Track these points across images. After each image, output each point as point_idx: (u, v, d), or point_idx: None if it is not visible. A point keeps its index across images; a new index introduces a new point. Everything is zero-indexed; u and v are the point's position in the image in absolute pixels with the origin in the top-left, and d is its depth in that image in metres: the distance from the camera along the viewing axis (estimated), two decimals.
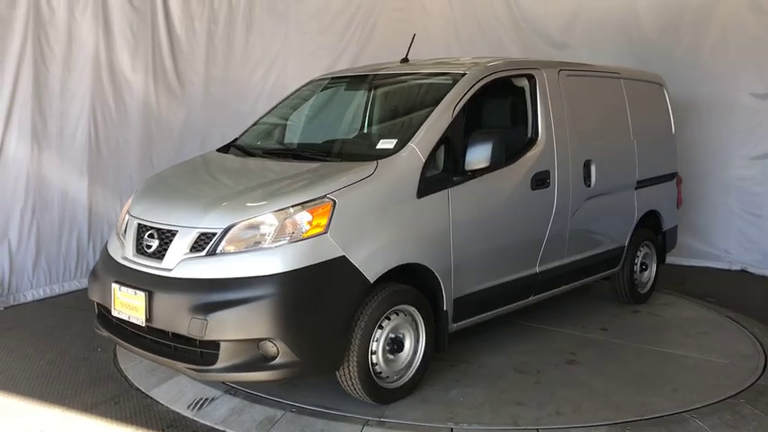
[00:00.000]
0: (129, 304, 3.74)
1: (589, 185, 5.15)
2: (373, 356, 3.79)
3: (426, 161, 4.02)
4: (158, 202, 4.17)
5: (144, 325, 3.66)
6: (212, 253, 3.59)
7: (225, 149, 5.07)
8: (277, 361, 3.47)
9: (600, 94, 5.58)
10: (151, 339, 3.75)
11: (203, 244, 3.64)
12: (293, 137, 5.34)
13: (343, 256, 3.58)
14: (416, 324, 4.02)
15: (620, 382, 4.31)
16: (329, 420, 3.73)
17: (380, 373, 3.86)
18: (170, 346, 3.68)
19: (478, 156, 4.13)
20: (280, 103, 5.55)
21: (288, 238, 3.53)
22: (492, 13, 8.48)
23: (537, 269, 4.83)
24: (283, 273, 3.46)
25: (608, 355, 4.81)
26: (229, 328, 3.44)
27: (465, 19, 8.58)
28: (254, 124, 5.43)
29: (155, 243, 3.81)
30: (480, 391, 4.14)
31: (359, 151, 4.57)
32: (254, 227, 3.59)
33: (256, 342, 3.47)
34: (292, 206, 3.60)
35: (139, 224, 3.97)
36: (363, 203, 3.78)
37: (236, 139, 5.25)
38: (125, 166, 6.90)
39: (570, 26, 8.17)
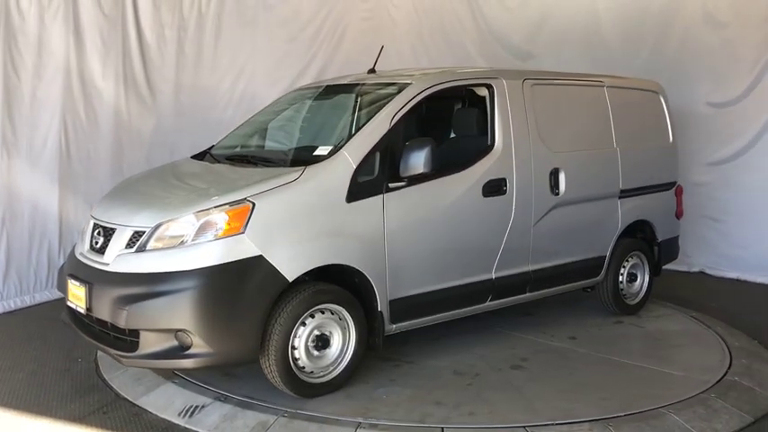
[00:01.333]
0: (76, 295, 4.14)
1: (557, 194, 5.17)
2: (295, 351, 4.00)
3: (358, 167, 4.17)
4: (112, 203, 4.53)
5: (85, 314, 4.05)
6: (142, 249, 3.90)
7: (200, 156, 5.20)
8: (191, 351, 3.74)
9: (575, 103, 5.59)
10: (98, 329, 4.07)
11: (135, 241, 3.95)
12: (254, 144, 5.48)
13: (260, 255, 3.81)
14: (346, 323, 4.17)
15: (553, 388, 4.34)
16: (321, 424, 3.79)
17: (304, 367, 4.04)
18: (109, 335, 3.99)
19: (413, 163, 4.26)
20: (260, 111, 5.63)
21: (206, 237, 3.79)
22: (458, 23, 8.70)
23: (493, 275, 4.88)
24: (198, 269, 3.72)
25: (559, 362, 4.83)
26: (146, 318, 3.74)
27: (432, 29, 8.78)
28: (233, 131, 5.51)
29: (100, 240, 4.17)
30: (407, 391, 4.25)
31: (298, 157, 4.69)
32: (178, 226, 3.86)
33: (173, 332, 3.74)
34: (212, 208, 3.86)
35: (94, 223, 4.34)
36: (285, 206, 3.97)
37: (212, 146, 5.33)
38: (96, 176, 6.82)
39: (535, 36, 8.42)
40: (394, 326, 4.41)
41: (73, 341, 5.06)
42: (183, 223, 3.86)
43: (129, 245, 3.96)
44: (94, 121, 6.79)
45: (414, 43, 8.76)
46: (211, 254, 3.75)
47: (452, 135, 5.54)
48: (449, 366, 4.65)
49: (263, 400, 4.04)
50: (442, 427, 3.79)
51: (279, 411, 3.90)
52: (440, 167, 4.40)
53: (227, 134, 5.60)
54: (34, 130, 6.27)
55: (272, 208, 3.91)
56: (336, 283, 4.15)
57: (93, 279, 4.03)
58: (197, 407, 4.00)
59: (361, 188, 4.18)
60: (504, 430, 3.80)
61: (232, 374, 4.36)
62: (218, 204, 3.87)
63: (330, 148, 4.32)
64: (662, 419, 3.91)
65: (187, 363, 3.80)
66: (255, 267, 3.80)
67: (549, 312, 5.84)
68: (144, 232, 3.92)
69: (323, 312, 4.09)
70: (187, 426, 3.85)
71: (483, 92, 4.98)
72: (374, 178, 4.25)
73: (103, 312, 3.90)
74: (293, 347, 3.98)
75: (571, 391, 4.29)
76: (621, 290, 5.86)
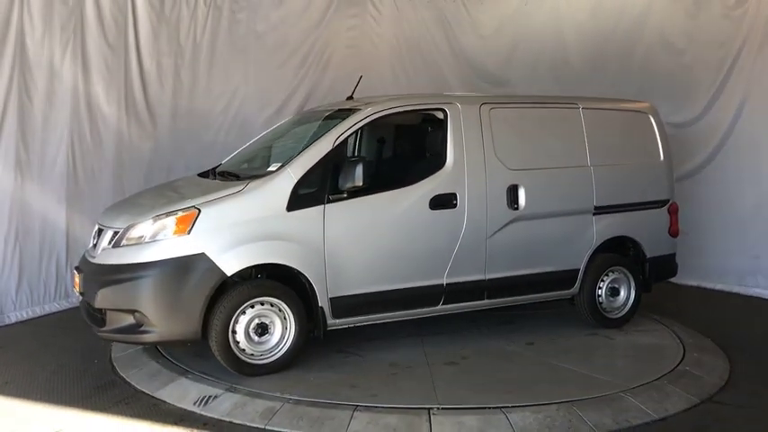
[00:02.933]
0: (77, 282, 5.06)
1: (516, 208, 5.53)
2: (235, 335, 4.71)
3: (299, 182, 4.84)
4: (111, 209, 5.52)
5: (80, 297, 5.07)
6: (117, 246, 4.79)
7: (205, 173, 5.82)
8: (145, 328, 4.57)
9: (542, 124, 5.91)
10: (93, 311, 4.85)
11: (113, 239, 4.83)
12: (241, 162, 6.01)
13: (203, 252, 4.58)
14: (286, 315, 4.83)
15: (467, 383, 4.73)
16: (323, 408, 4.29)
17: (244, 349, 4.74)
18: (97, 316, 4.82)
19: (349, 178, 4.88)
20: (263, 134, 6.33)
21: (159, 237, 4.63)
22: (437, 51, 9.32)
23: (444, 281, 5.32)
24: (149, 262, 4.58)
25: (495, 362, 5.16)
26: (109, 300, 4.68)
27: (412, 56, 9.37)
28: (237, 152, 6.17)
29: (96, 239, 5.07)
30: (335, 376, 4.82)
31: (254, 174, 5.27)
32: (140, 227, 4.72)
33: (131, 312, 4.59)
34: (165, 213, 4.70)
35: (97, 225, 5.26)
36: (227, 213, 4.73)
37: (218, 165, 5.96)
38: (99, 194, 7.25)
39: (507, 63, 9.09)
40: (337, 321, 5.01)
41: (87, 345, 5.57)
42: (143, 225, 4.72)
43: (110, 242, 4.86)
44: (99, 143, 7.27)
45: (395, 69, 9.33)
46: (161, 250, 4.59)
47: (406, 154, 6.14)
48: (390, 360, 5.16)
49: (268, 390, 4.54)
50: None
51: (284, 399, 4.40)
52: (387, 182, 5.22)
53: (233, 154, 6.15)
54: (45, 151, 6.75)
55: (215, 214, 4.69)
56: (284, 281, 4.84)
57: (86, 269, 4.99)
58: (210, 396, 4.48)
59: (301, 199, 4.85)
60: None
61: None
62: (170, 210, 4.72)
63: (279, 165, 5.04)
64: (620, 401, 4.47)
65: (143, 338, 4.65)
66: (198, 262, 4.57)
67: (530, 322, 6.15)
68: (118, 232, 4.82)
69: (263, 304, 4.77)
70: (202, 413, 4.33)
71: (438, 115, 5.52)
72: (316, 191, 4.91)
73: (89, 295, 4.82)
74: (233, 332, 4.70)
75: (482, 384, 4.72)
76: (600, 303, 6.02)
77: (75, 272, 5.20)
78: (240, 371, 4.73)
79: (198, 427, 4.14)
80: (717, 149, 8.10)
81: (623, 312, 6.15)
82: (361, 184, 4.87)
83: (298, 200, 4.84)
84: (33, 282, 6.68)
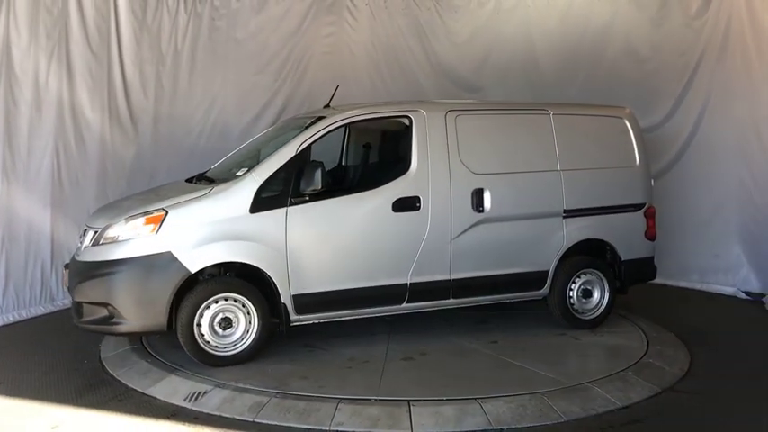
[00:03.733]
0: (65, 279, 5.51)
1: (481, 211, 5.73)
2: (200, 328, 5.05)
3: (261, 186, 5.18)
4: (97, 211, 5.92)
5: (67, 291, 5.53)
6: (96, 244, 5.19)
7: (191, 179, 6.09)
8: (115, 320, 4.98)
9: (509, 130, 6.08)
10: (76, 304, 5.27)
11: (93, 238, 5.24)
12: (230, 167, 6.08)
13: (169, 251, 4.96)
14: (249, 310, 5.16)
15: (412, 378, 4.96)
16: (309, 402, 4.53)
17: (209, 342, 5.08)
18: (80, 309, 5.22)
19: (309, 182, 5.20)
20: (250, 140, 6.64)
21: (130, 236, 5.02)
22: (412, 57, 9.57)
23: (408, 280, 5.56)
24: (119, 259, 4.98)
25: (451, 358, 5.38)
26: (85, 293, 5.14)
27: (388, 62, 9.59)
28: (226, 158, 6.43)
29: (82, 238, 5.46)
30: (291, 368, 5.13)
31: (225, 178, 5.56)
32: (115, 227, 5.13)
33: (104, 305, 4.98)
34: (137, 214, 5.11)
35: (85, 226, 5.61)
36: (192, 215, 5.09)
37: (207, 170, 6.26)
38: (83, 199, 7.41)
39: (480, 70, 9.39)
40: (301, 317, 5.33)
41: (76, 346, 5.75)
42: (118, 226, 5.13)
43: (91, 241, 5.25)
44: (83, 150, 7.42)
45: (372, 75, 9.56)
46: (132, 248, 4.99)
47: (372, 159, 6.42)
48: (351, 355, 5.43)
49: (255, 386, 4.77)
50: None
51: (271, 393, 4.63)
52: (351, 186, 5.64)
53: (222, 160, 6.38)
54: (30, 158, 6.88)
55: (181, 215, 5.07)
56: (250, 278, 5.18)
57: (71, 266, 5.45)
58: (200, 393, 4.69)
59: (264, 201, 5.18)
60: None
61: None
62: (142, 212, 5.12)
63: (245, 170, 5.38)
64: (588, 391, 4.78)
65: (114, 329, 5.04)
66: (164, 260, 4.96)
67: (504, 322, 6.31)
68: (97, 232, 5.22)
69: (227, 300, 5.11)
70: (193, 408, 4.54)
71: (405, 122, 5.77)
72: (279, 194, 5.23)
73: (71, 289, 5.30)
74: (198, 325, 5.05)
75: (427, 378, 4.96)
76: (572, 305, 6.14)
77: (64, 269, 5.69)
78: (204, 361, 5.08)
79: (190, 422, 4.35)
80: (680, 153, 8.46)
81: (597, 314, 6.25)
82: (319, 187, 5.19)
83: (261, 202, 5.17)
84: (19, 286, 6.81)
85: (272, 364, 5.18)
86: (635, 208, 6.38)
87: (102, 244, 5.12)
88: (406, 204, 5.55)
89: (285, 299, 5.23)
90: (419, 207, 5.58)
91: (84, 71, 7.37)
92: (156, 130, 8.27)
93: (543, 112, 6.24)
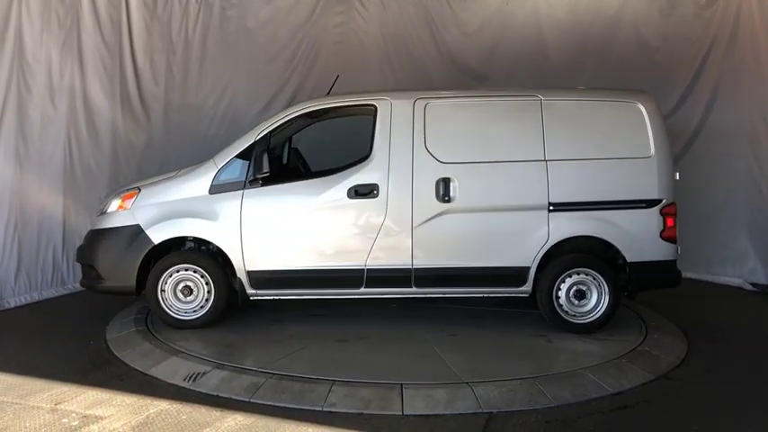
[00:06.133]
0: None
1: (447, 201, 5.61)
2: (164, 293, 5.74)
3: (220, 170, 5.72)
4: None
5: None
6: (99, 215, 6.05)
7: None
8: (98, 280, 5.79)
9: (487, 119, 5.80)
10: (82, 267, 6.13)
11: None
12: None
13: (138, 224, 5.71)
14: (207, 280, 5.74)
15: (353, 363, 4.98)
16: (304, 383, 4.63)
17: (171, 306, 5.74)
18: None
19: (258, 167, 5.60)
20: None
21: (114, 209, 5.84)
22: (421, 47, 9.63)
23: (365, 265, 5.65)
24: (102, 229, 5.86)
25: (396, 346, 5.38)
26: (80, 256, 6.06)
27: (398, 52, 9.68)
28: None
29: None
30: (247, 343, 5.56)
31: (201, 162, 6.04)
32: (107, 203, 6.01)
33: (91, 267, 5.83)
34: (122, 191, 6.00)
35: None
36: (159, 193, 5.81)
37: None
38: (95, 186, 7.61)
39: (489, 60, 9.39)
40: (259, 291, 5.77)
41: (83, 329, 5.92)
42: (107, 201, 6.03)
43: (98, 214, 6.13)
44: (95, 137, 7.59)
45: (381, 65, 9.64)
46: (110, 221, 5.84)
47: (333, 146, 6.55)
48: (319, 335, 5.65)
49: (253, 366, 4.89)
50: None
51: (267, 375, 4.73)
52: (308, 171, 6.11)
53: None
54: (43, 145, 7.06)
55: (150, 194, 5.82)
56: (212, 254, 5.78)
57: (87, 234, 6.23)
58: (199, 373, 4.81)
59: (222, 185, 5.71)
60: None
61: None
62: (122, 190, 6.03)
63: (215, 156, 5.87)
64: (580, 378, 4.82)
65: (98, 287, 5.84)
66: (133, 232, 5.71)
67: (495, 318, 6.13)
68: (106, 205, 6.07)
69: (186, 270, 5.74)
70: (192, 388, 4.67)
71: (371, 111, 5.81)
72: (235, 178, 5.70)
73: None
74: (162, 290, 5.73)
75: (363, 366, 4.94)
76: (560, 306, 5.70)
77: None
78: (170, 324, 5.74)
79: (188, 401, 4.47)
80: (689, 144, 8.44)
81: (591, 318, 5.70)
82: (266, 171, 5.55)
83: (219, 185, 5.70)
84: (31, 269, 7.00)
85: (225, 335, 5.67)
86: (648, 204, 5.70)
87: (100, 216, 5.97)
88: (363, 191, 5.68)
89: (240, 274, 5.71)
90: (377, 194, 5.67)
91: (96, 60, 7.52)
92: (167, 119, 8.43)
93: (532, 98, 5.81)
